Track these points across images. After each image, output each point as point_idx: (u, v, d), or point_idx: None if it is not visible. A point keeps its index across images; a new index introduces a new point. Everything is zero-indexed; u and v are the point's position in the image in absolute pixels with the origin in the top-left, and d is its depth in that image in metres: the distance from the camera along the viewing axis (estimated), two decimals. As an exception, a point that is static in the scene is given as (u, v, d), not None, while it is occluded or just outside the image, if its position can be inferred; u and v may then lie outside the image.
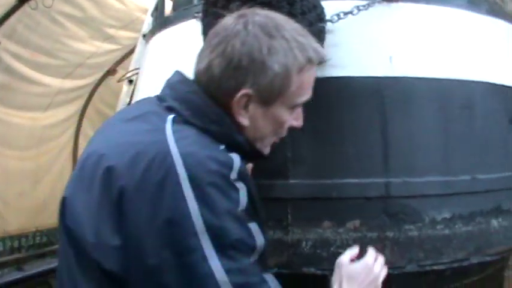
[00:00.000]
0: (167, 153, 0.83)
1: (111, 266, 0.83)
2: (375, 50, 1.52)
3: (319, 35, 1.40)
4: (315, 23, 1.37)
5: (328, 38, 1.52)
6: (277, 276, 0.96)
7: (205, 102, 0.93)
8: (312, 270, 1.52)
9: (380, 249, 1.51)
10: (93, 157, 0.93)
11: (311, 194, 1.50)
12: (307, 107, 1.57)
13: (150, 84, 1.90)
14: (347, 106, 1.49)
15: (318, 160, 1.50)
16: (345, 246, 1.51)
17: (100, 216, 0.86)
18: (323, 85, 1.52)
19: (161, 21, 2.14)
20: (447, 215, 1.53)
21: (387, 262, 1.52)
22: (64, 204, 0.95)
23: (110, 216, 0.84)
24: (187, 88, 0.97)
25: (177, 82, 1.00)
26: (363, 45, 1.52)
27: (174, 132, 0.87)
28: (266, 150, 1.04)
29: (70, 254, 0.90)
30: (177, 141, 0.85)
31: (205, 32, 1.41)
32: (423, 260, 1.52)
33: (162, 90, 1.02)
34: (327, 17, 1.44)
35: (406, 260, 1.51)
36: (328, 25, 1.52)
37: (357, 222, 1.50)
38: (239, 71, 0.91)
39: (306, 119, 1.58)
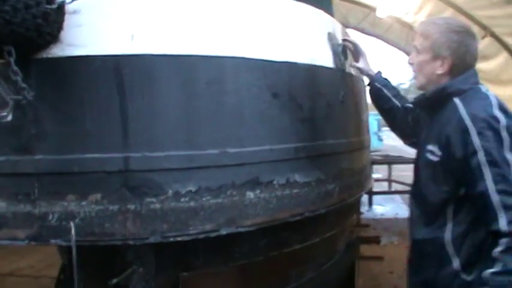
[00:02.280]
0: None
1: None
2: (117, 28, 1.59)
3: (45, 17, 1.43)
4: (36, 6, 1.39)
5: (73, 19, 1.56)
6: None
7: None
8: (59, 241, 1.56)
9: (122, 221, 1.56)
10: None
11: (55, 169, 1.57)
12: (50, 85, 1.61)
13: None
14: (87, 84, 1.56)
15: (60, 136, 1.57)
16: (88, 218, 1.56)
17: None
18: (65, 64, 1.56)
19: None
20: (192, 188, 1.60)
21: (130, 234, 1.58)
22: None
23: None
24: None
25: None
26: (106, 25, 1.59)
27: None
28: None
29: None
30: None
31: None
32: (167, 232, 1.57)
33: None
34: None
35: (149, 231, 1.57)
36: (74, 5, 1.54)
37: (98, 196, 1.55)
38: None
39: (49, 96, 1.62)
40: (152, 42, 1.60)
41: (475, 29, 5.27)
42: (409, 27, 6.80)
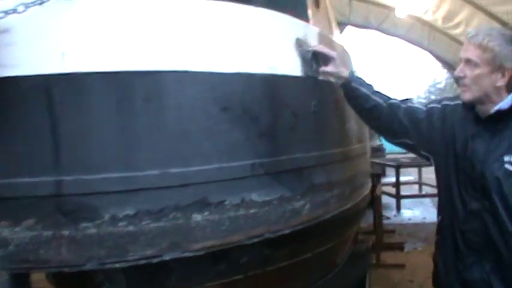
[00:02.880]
0: None
1: None
2: (48, 47, 1.52)
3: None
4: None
5: (4, 37, 1.49)
6: None
7: None
8: (-5, 269, 1.50)
9: (57, 248, 1.49)
10: None
11: (-13, 195, 1.48)
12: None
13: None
14: (18, 106, 1.50)
15: (-8, 160, 1.48)
16: (22, 244, 1.49)
17: None
18: (-4, 85, 1.49)
19: None
20: (130, 212, 1.50)
21: (65, 261, 1.50)
22: None
23: None
24: None
25: None
26: (37, 43, 1.53)
27: None
28: None
29: None
30: None
31: None
32: (105, 258, 1.48)
33: None
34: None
35: (85, 257, 1.49)
36: (5, 24, 1.48)
37: (31, 221, 1.48)
38: None
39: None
40: (84, 59, 1.51)
41: (495, 25, 4.98)
42: (430, 25, 6.55)
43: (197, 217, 1.61)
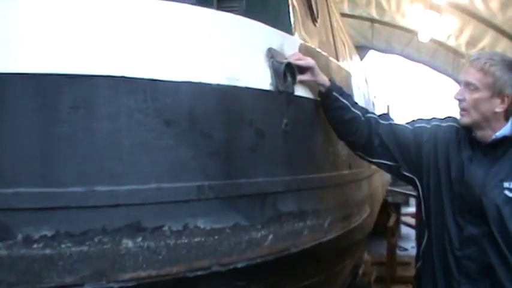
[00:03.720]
0: None
1: None
2: None
3: None
4: None
5: None
6: None
7: None
8: None
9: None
10: None
11: None
12: None
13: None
14: None
15: None
16: None
17: None
18: None
19: None
20: (48, 233, 1.31)
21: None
22: None
23: None
24: None
25: None
26: None
27: None
28: None
29: None
30: None
31: None
32: (15, 284, 1.29)
33: None
34: None
35: (-7, 283, 1.29)
36: None
37: None
38: None
39: None
40: (2, 59, 1.34)
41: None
42: (454, 51, 6.25)
43: (128, 243, 1.40)
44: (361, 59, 7.77)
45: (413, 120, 2.13)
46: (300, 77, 1.89)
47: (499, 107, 1.80)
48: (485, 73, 1.78)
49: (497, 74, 1.77)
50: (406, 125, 2.07)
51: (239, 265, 1.59)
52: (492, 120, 1.83)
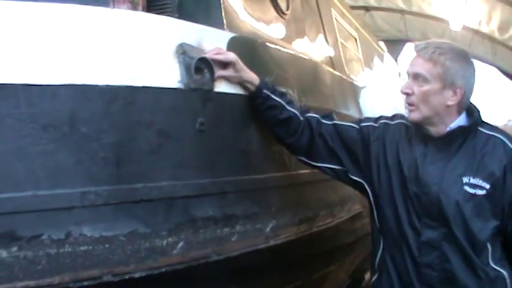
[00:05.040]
0: None
1: None
2: None
3: None
4: None
5: None
6: None
7: None
8: None
9: None
10: None
11: None
12: None
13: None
14: None
15: None
16: None
17: None
18: None
19: None
20: None
21: None
22: None
23: None
24: None
25: None
26: None
27: None
28: None
29: None
30: None
31: None
32: None
33: None
34: None
35: None
36: None
37: None
38: None
39: None
40: None
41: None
42: (490, 38, 5.80)
43: (2, 253, 1.36)
44: (398, 53, 7.42)
45: (359, 120, 1.99)
46: (220, 73, 1.77)
47: (451, 100, 1.66)
48: (434, 63, 1.63)
49: (447, 64, 1.63)
50: (352, 124, 1.91)
51: (137, 275, 1.51)
52: (444, 115, 1.69)
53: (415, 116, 1.69)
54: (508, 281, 1.69)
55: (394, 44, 7.32)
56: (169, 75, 1.65)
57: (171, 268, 1.59)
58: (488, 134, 1.71)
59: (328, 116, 1.93)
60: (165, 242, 1.58)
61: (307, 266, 2.43)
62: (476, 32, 6.26)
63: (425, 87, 1.65)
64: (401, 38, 7.40)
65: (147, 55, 1.62)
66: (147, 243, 1.54)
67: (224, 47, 1.86)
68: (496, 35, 5.70)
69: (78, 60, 1.49)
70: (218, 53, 1.77)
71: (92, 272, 1.45)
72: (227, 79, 1.80)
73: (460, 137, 1.70)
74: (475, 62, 6.07)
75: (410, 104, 1.69)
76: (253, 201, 1.87)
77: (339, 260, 2.88)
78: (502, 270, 1.69)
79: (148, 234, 1.55)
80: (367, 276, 3.91)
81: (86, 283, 1.44)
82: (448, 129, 1.70)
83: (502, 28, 5.36)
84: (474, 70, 1.74)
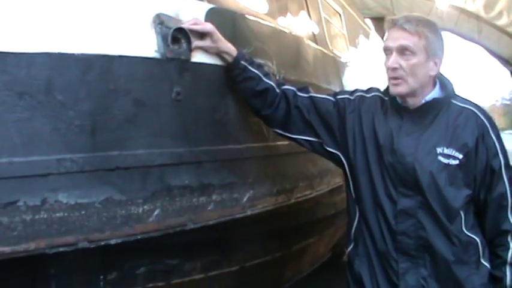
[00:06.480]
0: None
1: None
2: None
3: None
4: None
5: None
6: None
7: None
8: None
9: None
10: None
11: None
12: None
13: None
14: None
15: None
16: None
17: None
18: None
19: None
20: None
21: None
22: None
23: None
24: None
25: None
26: None
27: None
28: None
29: None
30: None
31: None
32: None
33: None
34: None
35: None
36: None
37: None
38: None
39: None
40: None
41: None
42: (476, 17, 5.82)
43: None
44: (385, 31, 7.42)
45: (335, 93, 2.01)
46: (196, 43, 1.78)
47: (433, 70, 1.72)
48: (419, 36, 1.66)
49: (430, 36, 1.68)
50: (328, 97, 1.94)
51: (112, 241, 1.54)
52: (425, 86, 1.74)
53: (403, 89, 1.71)
54: (480, 246, 1.76)
55: (381, 22, 7.31)
56: (146, 45, 1.66)
57: (146, 235, 1.62)
58: (461, 106, 1.76)
59: (305, 89, 1.96)
60: (140, 210, 1.61)
61: (286, 237, 2.48)
62: (462, 11, 6.29)
63: (414, 60, 1.67)
64: (388, 15, 7.38)
65: (124, 25, 1.63)
66: (123, 210, 1.57)
67: (202, 18, 1.87)
68: (482, 13, 5.74)
69: (54, 29, 1.49)
70: (195, 24, 1.79)
71: (68, 239, 1.48)
72: (204, 49, 1.82)
73: (435, 109, 1.74)
74: (461, 40, 6.13)
75: (396, 78, 1.71)
76: (230, 171, 1.91)
77: (319, 232, 2.94)
78: (474, 237, 1.75)
79: (124, 201, 1.58)
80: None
81: (61, 249, 1.47)
82: (423, 101, 1.74)
83: (488, 6, 5.39)
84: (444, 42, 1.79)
